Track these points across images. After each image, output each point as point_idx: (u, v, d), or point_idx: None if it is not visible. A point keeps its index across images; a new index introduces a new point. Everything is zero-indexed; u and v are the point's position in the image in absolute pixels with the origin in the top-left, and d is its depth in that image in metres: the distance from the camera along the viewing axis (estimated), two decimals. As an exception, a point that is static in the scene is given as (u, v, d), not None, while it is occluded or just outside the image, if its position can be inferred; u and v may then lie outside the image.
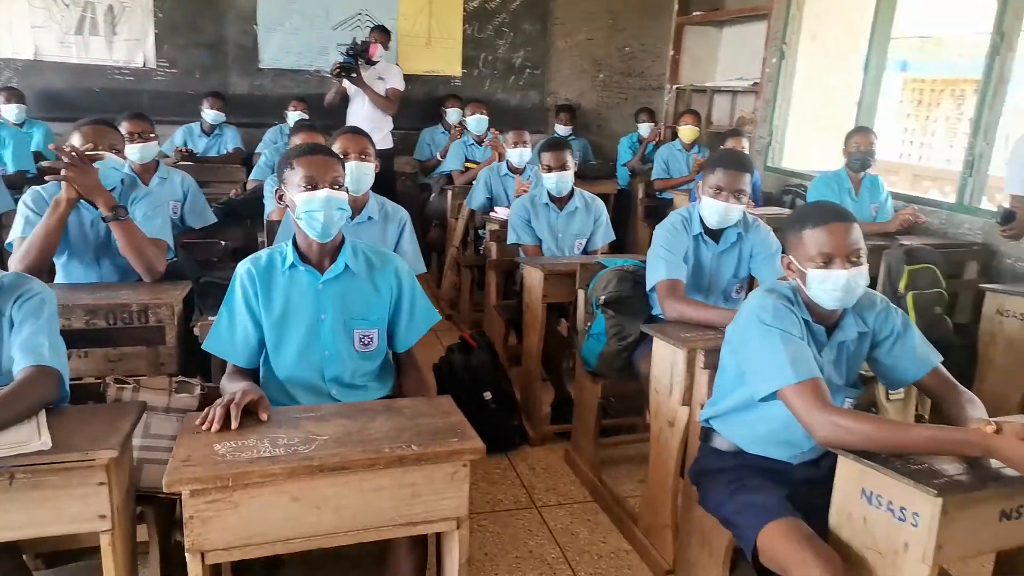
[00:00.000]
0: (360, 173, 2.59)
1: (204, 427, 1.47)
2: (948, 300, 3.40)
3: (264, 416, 1.54)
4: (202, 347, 1.88)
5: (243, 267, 1.87)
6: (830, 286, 1.66)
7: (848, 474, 1.57)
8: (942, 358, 1.80)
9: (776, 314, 1.68)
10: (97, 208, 2.33)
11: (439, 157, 5.64)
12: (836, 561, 1.52)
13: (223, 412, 1.50)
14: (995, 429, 1.42)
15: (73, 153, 2.26)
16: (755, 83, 5.60)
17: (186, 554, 1.31)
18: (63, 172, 2.22)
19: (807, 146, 5.34)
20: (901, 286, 3.31)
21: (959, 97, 7.25)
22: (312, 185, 1.83)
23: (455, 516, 1.48)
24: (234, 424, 1.48)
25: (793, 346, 1.64)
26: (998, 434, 1.41)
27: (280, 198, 1.91)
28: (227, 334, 1.85)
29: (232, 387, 1.66)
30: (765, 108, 5.42)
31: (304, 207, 1.82)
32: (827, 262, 1.65)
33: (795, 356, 1.63)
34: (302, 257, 1.88)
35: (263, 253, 1.91)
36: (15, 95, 4.78)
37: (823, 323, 1.75)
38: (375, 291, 1.91)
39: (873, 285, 3.41)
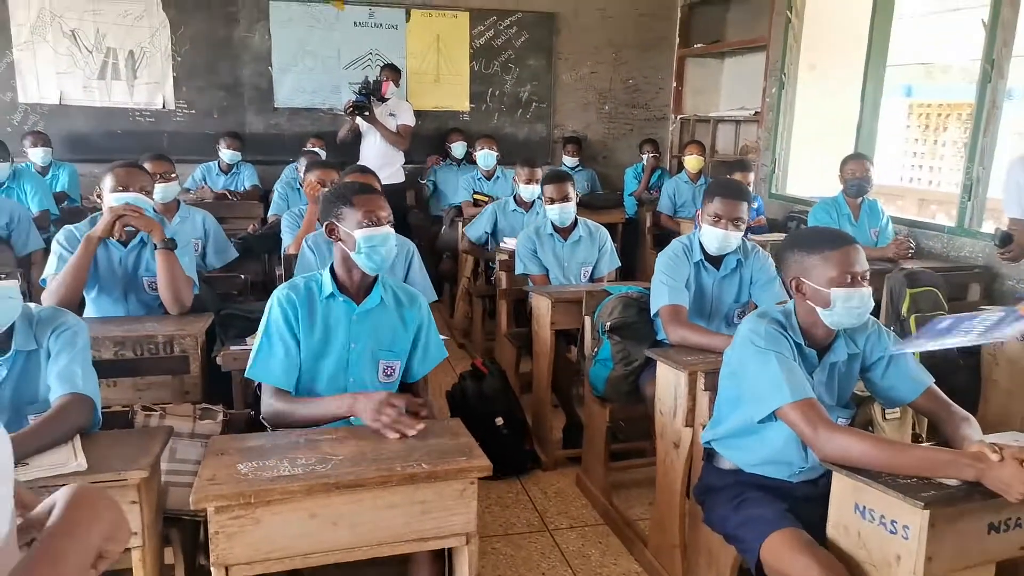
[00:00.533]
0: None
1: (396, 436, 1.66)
2: (951, 322, 3.45)
3: (426, 412, 1.75)
4: (246, 375, 1.91)
5: (281, 292, 1.94)
6: (855, 303, 1.74)
7: (842, 489, 1.63)
8: (933, 379, 1.86)
9: (768, 337, 1.76)
10: (147, 240, 2.59)
11: (420, 181, 5.87)
12: (839, 568, 1.58)
13: (394, 422, 1.67)
14: (999, 457, 1.45)
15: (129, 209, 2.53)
16: (756, 112, 5.72)
17: (211, 568, 1.40)
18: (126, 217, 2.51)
19: (810, 173, 5.43)
20: (904, 309, 3.37)
21: (966, 121, 7.36)
22: (375, 222, 1.94)
23: (464, 532, 1.56)
24: (420, 426, 1.68)
25: (788, 367, 1.72)
26: (1000, 462, 1.44)
27: (331, 232, 1.98)
28: (272, 359, 1.89)
29: (324, 404, 1.83)
30: (767, 137, 5.53)
31: (367, 242, 1.92)
32: (852, 282, 1.74)
33: (791, 376, 1.71)
34: (340, 288, 1.98)
35: (299, 281, 1.98)
36: (41, 139, 4.96)
37: (815, 346, 1.83)
38: (402, 324, 2.02)
39: (876, 309, 3.51)
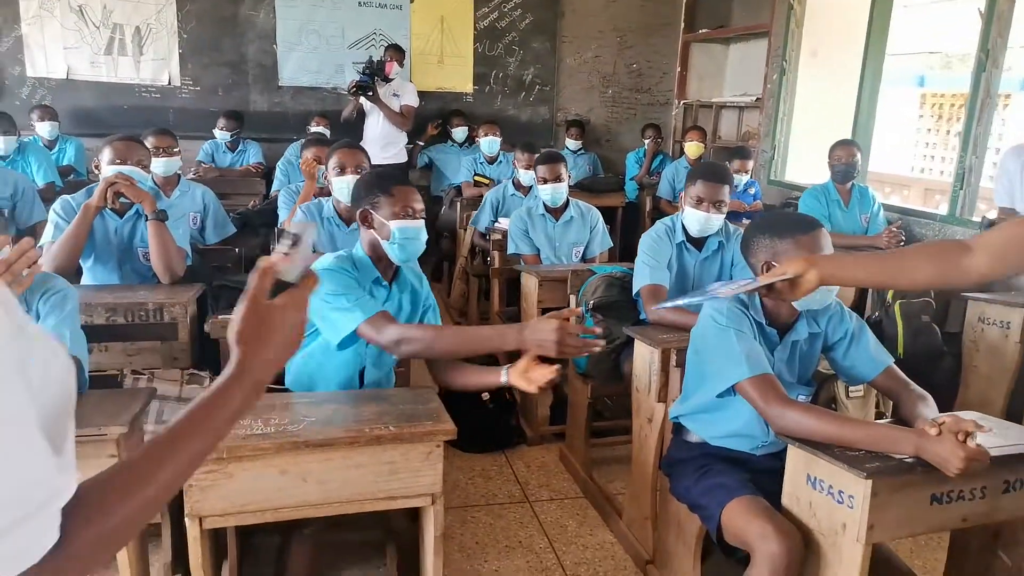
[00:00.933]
0: (357, 186, 2.78)
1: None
2: (939, 310, 3.49)
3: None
4: (359, 327, 1.83)
5: (336, 263, 1.93)
6: (825, 287, 1.78)
7: (796, 461, 1.70)
8: (893, 359, 1.92)
9: (730, 315, 1.82)
10: (142, 211, 2.63)
11: (419, 143, 5.94)
12: (794, 534, 1.65)
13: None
14: (937, 432, 1.49)
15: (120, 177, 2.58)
16: (758, 99, 5.73)
17: (185, 519, 1.48)
18: (117, 185, 2.54)
19: (810, 160, 5.44)
20: (889, 295, 3.41)
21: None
22: (411, 214, 1.98)
23: (430, 492, 1.63)
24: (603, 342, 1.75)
25: (747, 344, 1.78)
26: (938, 436, 1.48)
27: (364, 219, 2.00)
28: (365, 298, 1.89)
29: (480, 334, 1.90)
30: (768, 123, 5.54)
31: (402, 234, 1.96)
32: None
33: (749, 352, 1.77)
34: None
35: (343, 254, 2.00)
36: (48, 113, 5.04)
37: (778, 325, 1.88)
38: (414, 305, 2.10)
39: (863, 294, 3.54)
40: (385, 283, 2.03)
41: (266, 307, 0.86)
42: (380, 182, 2.03)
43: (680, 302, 1.76)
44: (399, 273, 2.07)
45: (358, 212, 2.02)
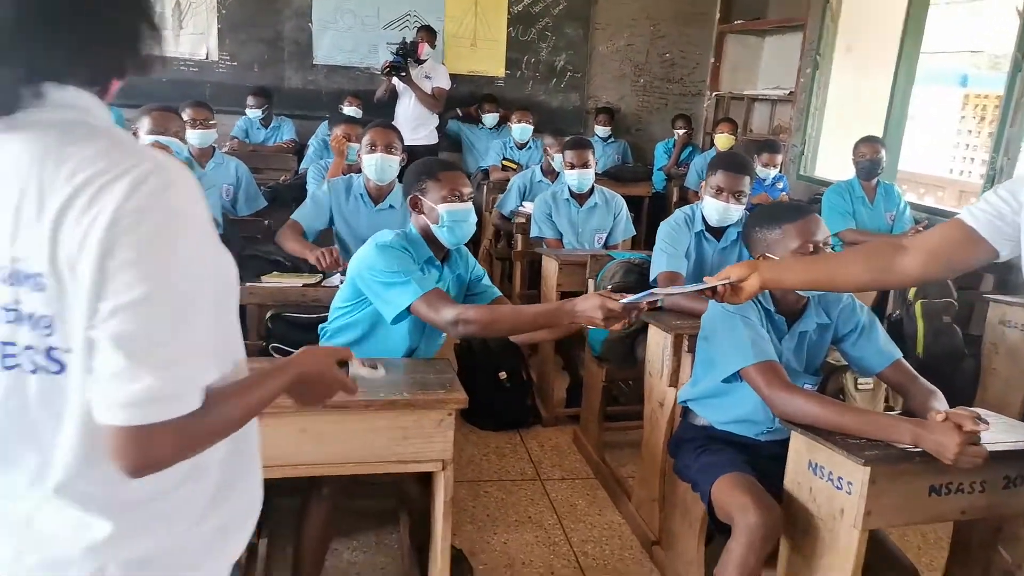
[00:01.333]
0: (385, 164, 2.86)
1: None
2: (963, 311, 3.47)
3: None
4: (413, 304, 1.86)
5: (394, 239, 1.97)
6: None
7: (798, 447, 1.74)
8: (901, 353, 1.94)
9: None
10: None
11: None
12: (774, 509, 1.70)
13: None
14: (943, 418, 1.52)
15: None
16: (791, 92, 5.69)
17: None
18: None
19: (840, 156, 5.39)
20: (910, 293, 3.40)
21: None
22: (459, 197, 2.04)
23: (441, 458, 1.70)
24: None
25: (753, 331, 1.82)
26: (938, 424, 1.50)
27: (415, 205, 2.06)
28: (421, 276, 1.93)
29: (539, 308, 1.99)
30: (799, 117, 5.50)
31: (451, 216, 2.02)
32: (815, 249, 1.81)
33: (755, 339, 1.81)
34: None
35: (401, 234, 2.04)
36: (90, 83, 5.15)
37: (786, 313, 1.91)
38: (460, 283, 2.15)
39: (885, 293, 3.53)
40: (438, 263, 2.09)
41: (334, 367, 1.10)
42: (427, 168, 2.09)
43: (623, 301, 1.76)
44: (450, 255, 2.13)
45: (408, 199, 2.08)
